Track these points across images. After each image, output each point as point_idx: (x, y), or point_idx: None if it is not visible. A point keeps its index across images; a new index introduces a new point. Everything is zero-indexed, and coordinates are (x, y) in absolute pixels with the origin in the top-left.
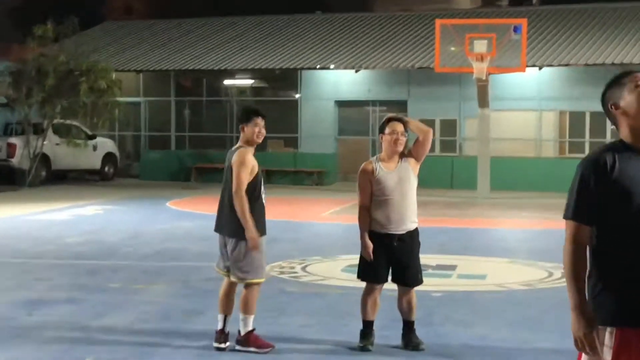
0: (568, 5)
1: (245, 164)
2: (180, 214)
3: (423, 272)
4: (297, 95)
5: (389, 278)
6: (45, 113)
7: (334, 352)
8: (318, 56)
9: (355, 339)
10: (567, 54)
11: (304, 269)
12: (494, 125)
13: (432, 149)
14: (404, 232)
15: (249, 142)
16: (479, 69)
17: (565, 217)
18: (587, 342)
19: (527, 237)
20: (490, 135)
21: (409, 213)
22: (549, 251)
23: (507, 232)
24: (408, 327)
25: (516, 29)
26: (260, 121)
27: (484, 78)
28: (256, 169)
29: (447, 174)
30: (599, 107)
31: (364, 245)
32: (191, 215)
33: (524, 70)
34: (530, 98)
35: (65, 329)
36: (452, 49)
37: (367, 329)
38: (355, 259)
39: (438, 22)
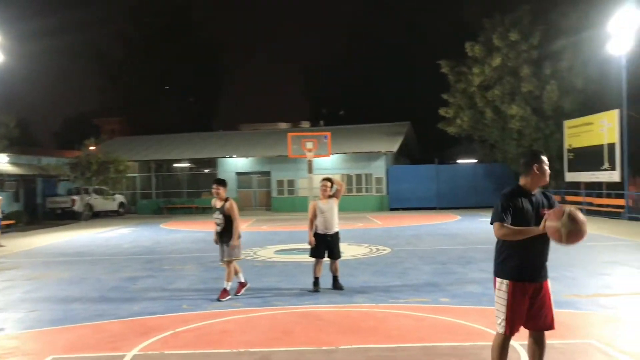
0: (340, 125)
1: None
2: (170, 230)
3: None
4: (206, 170)
5: (326, 256)
6: (90, 183)
7: (301, 292)
8: (226, 151)
9: (307, 286)
10: (342, 147)
11: (255, 253)
12: (314, 181)
13: (286, 193)
14: (332, 232)
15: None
16: (309, 155)
17: (493, 221)
18: (550, 226)
19: (348, 234)
20: (312, 186)
21: (334, 223)
22: (362, 239)
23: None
24: (335, 279)
25: (325, 137)
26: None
27: (311, 159)
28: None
29: (291, 204)
30: (356, 171)
31: (310, 239)
32: (176, 231)
33: (329, 156)
34: (329, 168)
35: (158, 291)
36: (295, 146)
37: (317, 280)
38: (278, 247)
39: (289, 135)
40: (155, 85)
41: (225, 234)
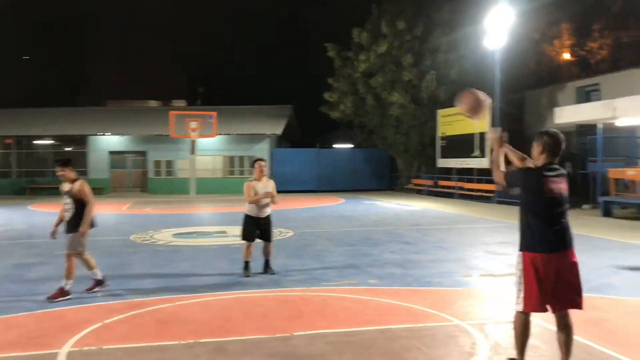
0: (221, 106)
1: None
2: (43, 212)
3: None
4: (69, 149)
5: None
6: None
7: (223, 277)
8: (96, 128)
9: (226, 271)
10: (225, 128)
11: (151, 237)
12: (197, 162)
13: (164, 174)
14: (265, 215)
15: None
16: (193, 135)
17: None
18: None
19: (240, 216)
20: (195, 167)
21: (268, 207)
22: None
23: (219, 214)
24: (267, 262)
25: (210, 117)
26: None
27: (195, 140)
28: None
29: (169, 186)
30: (239, 153)
31: (263, 194)
32: (49, 213)
33: (214, 136)
34: (211, 149)
35: (60, 279)
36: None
37: (247, 265)
38: (174, 231)
39: (172, 113)
40: (11, 54)
41: (76, 220)
